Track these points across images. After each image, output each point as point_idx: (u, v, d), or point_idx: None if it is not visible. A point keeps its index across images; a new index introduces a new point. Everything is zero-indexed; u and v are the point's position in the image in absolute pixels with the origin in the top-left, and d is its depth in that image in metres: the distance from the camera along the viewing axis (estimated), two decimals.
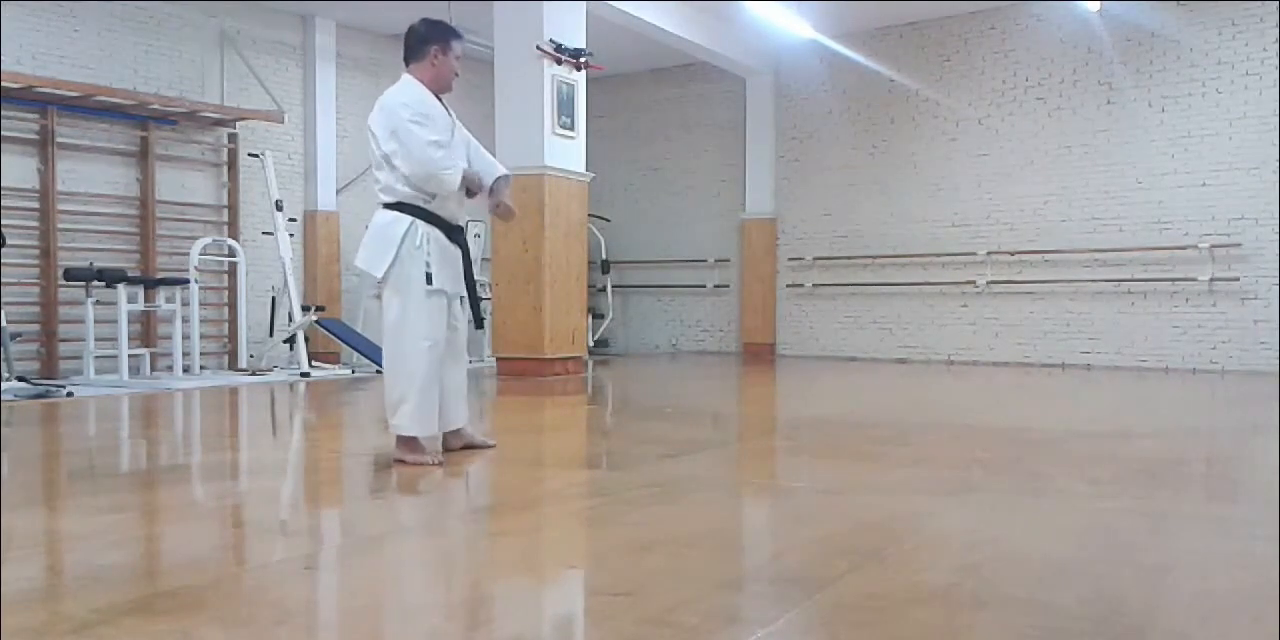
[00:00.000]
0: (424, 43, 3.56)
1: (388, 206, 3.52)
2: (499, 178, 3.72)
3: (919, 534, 2.55)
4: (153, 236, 8.38)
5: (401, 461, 3.49)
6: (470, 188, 3.55)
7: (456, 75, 3.63)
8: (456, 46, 3.59)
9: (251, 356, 8.68)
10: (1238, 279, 8.51)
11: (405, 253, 3.46)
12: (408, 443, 3.51)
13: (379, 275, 3.48)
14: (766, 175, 10.95)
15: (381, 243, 3.48)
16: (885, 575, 2.12)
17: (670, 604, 1.87)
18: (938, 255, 9.92)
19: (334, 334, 8.75)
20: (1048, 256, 9.35)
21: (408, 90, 3.53)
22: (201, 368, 7.91)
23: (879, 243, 10.28)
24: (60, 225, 7.82)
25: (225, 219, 9.03)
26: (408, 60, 3.60)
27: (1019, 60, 9.51)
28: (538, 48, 7.53)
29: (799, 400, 6.99)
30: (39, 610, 1.86)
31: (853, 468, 3.70)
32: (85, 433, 5.00)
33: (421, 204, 3.49)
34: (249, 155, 8.90)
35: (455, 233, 3.60)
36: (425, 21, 3.62)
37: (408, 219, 3.47)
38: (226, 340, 8.92)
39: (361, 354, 8.42)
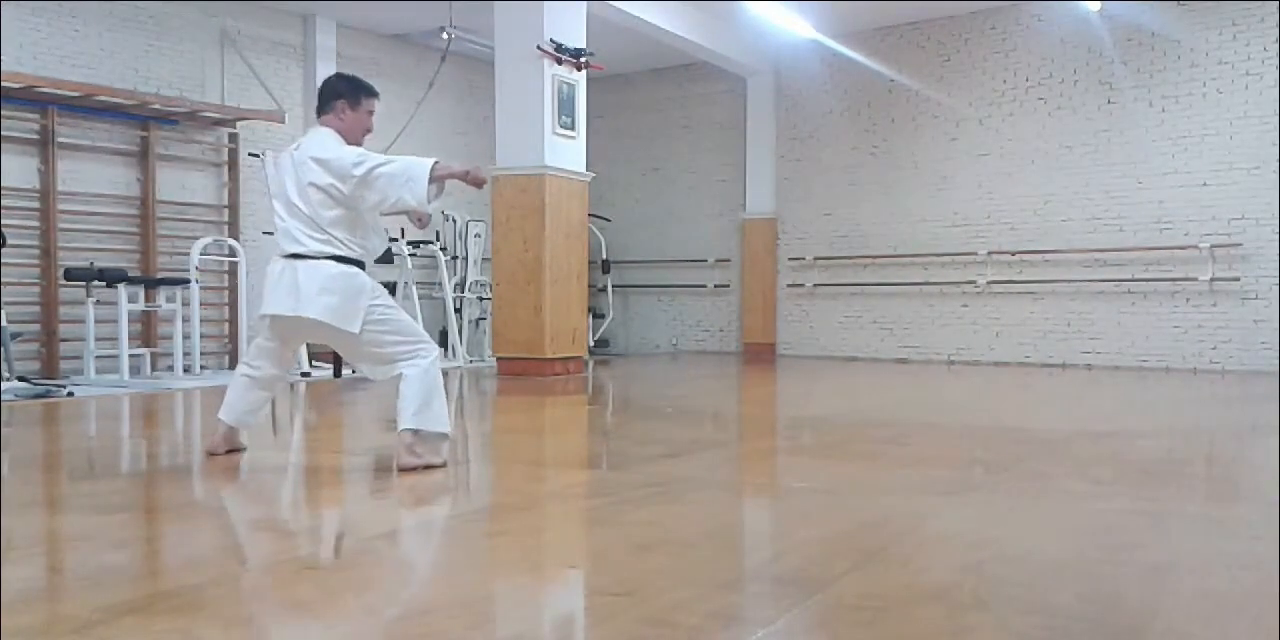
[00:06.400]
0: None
1: None
2: None
3: (919, 534, 2.54)
4: (153, 236, 8.37)
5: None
6: None
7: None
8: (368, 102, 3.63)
9: None
10: (1238, 279, 8.51)
11: None
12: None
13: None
14: (767, 175, 10.95)
15: None
16: (885, 575, 2.13)
17: (670, 604, 1.87)
18: (938, 255, 9.92)
19: None
20: (1048, 256, 9.35)
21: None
22: (202, 367, 7.91)
23: (879, 242, 10.28)
24: (61, 225, 7.81)
25: (226, 219, 9.03)
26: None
27: (1019, 60, 9.51)
28: (538, 48, 7.53)
29: (799, 400, 6.99)
30: (39, 610, 1.86)
31: (853, 468, 3.70)
32: (86, 432, 5.00)
33: None
34: (249, 155, 8.90)
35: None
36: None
37: None
38: (227, 340, 8.92)
39: None
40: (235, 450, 3.71)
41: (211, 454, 3.66)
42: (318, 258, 3.38)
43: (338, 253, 3.40)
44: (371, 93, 3.62)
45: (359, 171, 3.33)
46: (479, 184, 3.60)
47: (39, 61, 7.76)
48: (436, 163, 3.38)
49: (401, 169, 3.34)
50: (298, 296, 3.35)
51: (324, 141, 3.48)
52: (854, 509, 2.88)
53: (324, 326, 3.36)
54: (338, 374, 7.96)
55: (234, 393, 3.67)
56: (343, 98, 3.56)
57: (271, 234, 3.62)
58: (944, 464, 3.76)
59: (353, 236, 3.44)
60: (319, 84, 3.83)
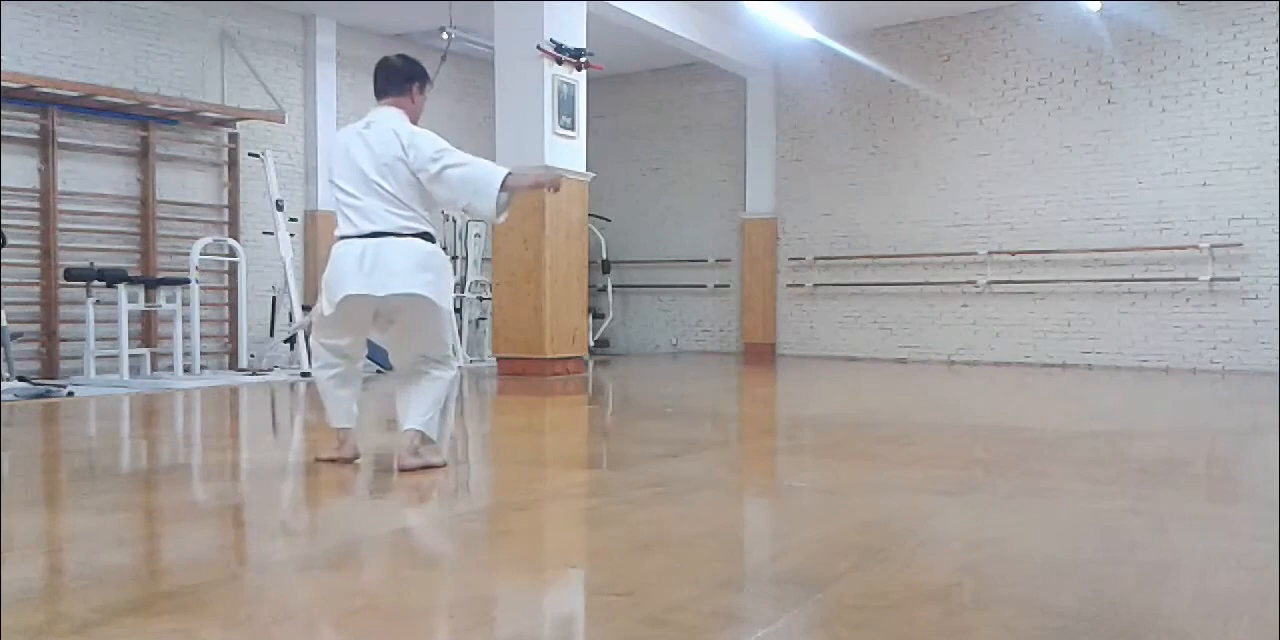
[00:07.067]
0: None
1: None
2: None
3: (919, 534, 2.54)
4: (153, 236, 8.38)
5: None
6: None
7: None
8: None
9: (252, 356, 8.68)
10: (1238, 279, 8.51)
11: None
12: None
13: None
14: (766, 175, 10.95)
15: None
16: (885, 575, 2.12)
17: (670, 604, 1.87)
18: (938, 255, 9.92)
19: None
20: (1048, 256, 9.35)
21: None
22: (202, 368, 7.91)
23: (879, 242, 10.28)
24: (61, 225, 7.82)
25: (226, 219, 9.03)
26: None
27: (1019, 60, 9.51)
28: (538, 48, 7.53)
29: (799, 400, 6.99)
30: (39, 610, 1.86)
31: (853, 468, 3.70)
32: (86, 432, 5.00)
33: None
34: (249, 155, 8.90)
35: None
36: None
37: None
38: (227, 340, 8.92)
39: None
40: (348, 459, 3.52)
41: (338, 461, 3.50)
42: (405, 235, 3.30)
43: (423, 229, 3.35)
44: (430, 79, 3.62)
45: (434, 168, 3.28)
46: (557, 189, 3.58)
47: (39, 61, 7.76)
48: (510, 174, 3.34)
49: (474, 176, 3.29)
50: (391, 274, 3.24)
51: (398, 121, 3.41)
52: (854, 509, 2.88)
53: (418, 303, 3.26)
54: None
55: (327, 398, 3.53)
56: (417, 81, 3.51)
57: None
58: (944, 464, 3.76)
59: (430, 214, 3.40)
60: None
